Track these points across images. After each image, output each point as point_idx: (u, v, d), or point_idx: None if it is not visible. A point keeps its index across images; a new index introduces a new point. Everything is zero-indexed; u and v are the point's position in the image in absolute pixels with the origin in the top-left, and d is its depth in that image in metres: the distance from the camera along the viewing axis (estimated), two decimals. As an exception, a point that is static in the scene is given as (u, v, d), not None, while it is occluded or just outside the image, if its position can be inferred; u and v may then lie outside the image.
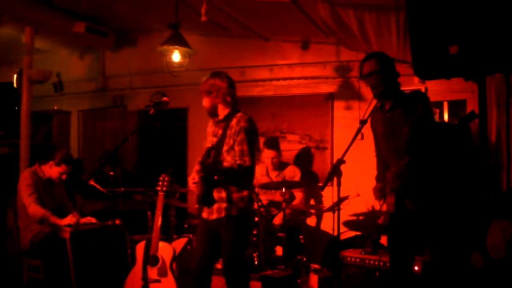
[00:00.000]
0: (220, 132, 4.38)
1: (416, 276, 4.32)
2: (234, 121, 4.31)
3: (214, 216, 4.30)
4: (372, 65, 4.13)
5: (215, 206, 4.29)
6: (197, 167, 4.22)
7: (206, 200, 4.29)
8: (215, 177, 4.23)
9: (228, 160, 4.28)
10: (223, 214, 4.26)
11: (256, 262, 5.64)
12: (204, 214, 4.39)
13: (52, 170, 5.76)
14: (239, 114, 4.36)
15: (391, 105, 4.16)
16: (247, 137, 4.26)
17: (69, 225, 5.53)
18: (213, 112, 4.43)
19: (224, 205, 4.26)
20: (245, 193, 4.33)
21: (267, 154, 6.66)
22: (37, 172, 5.78)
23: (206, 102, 4.40)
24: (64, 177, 5.80)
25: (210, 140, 4.47)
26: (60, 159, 5.74)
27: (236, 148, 4.24)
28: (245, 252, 4.68)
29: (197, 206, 4.42)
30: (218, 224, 4.29)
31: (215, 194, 4.28)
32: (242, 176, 4.26)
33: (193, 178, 4.30)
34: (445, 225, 4.02)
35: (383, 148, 4.36)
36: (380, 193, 4.27)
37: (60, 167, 5.75)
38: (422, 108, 4.03)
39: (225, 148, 4.29)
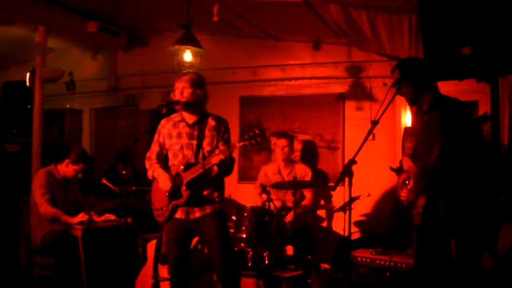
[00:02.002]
0: (196, 133, 4.41)
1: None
2: (213, 122, 4.42)
3: (197, 214, 4.35)
4: (396, 75, 4.13)
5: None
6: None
7: (193, 199, 4.33)
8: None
9: None
10: (208, 211, 4.34)
11: (266, 262, 5.65)
12: (179, 214, 4.40)
13: (68, 169, 5.80)
14: (214, 115, 4.51)
15: (427, 108, 4.13)
16: (229, 136, 4.46)
17: (81, 223, 5.57)
18: (192, 110, 4.45)
19: (207, 202, 4.37)
20: (222, 189, 4.52)
21: (279, 143, 6.67)
22: (52, 171, 5.81)
23: (191, 96, 4.38)
24: (80, 175, 5.83)
25: (177, 142, 4.47)
26: (76, 157, 5.77)
27: (222, 148, 4.26)
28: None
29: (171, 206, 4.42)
30: (200, 223, 4.36)
31: (198, 194, 4.36)
32: (230, 169, 4.42)
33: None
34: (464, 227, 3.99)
35: (420, 152, 4.31)
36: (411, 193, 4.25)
37: (78, 165, 5.79)
38: (457, 115, 3.99)
39: (207, 148, 4.36)
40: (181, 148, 4.42)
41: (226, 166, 4.28)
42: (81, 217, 5.60)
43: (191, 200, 4.30)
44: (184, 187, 4.28)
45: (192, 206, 4.35)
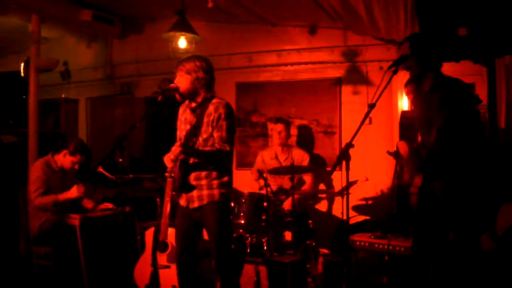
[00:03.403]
0: (195, 119, 4.32)
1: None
2: (211, 108, 4.24)
3: (196, 204, 4.27)
4: (404, 49, 4.08)
5: (195, 194, 4.26)
6: (176, 148, 4.16)
7: (184, 185, 4.27)
8: (191, 161, 4.23)
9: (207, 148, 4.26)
10: (205, 202, 4.24)
11: (265, 247, 5.65)
12: (182, 202, 4.36)
13: (66, 160, 5.78)
14: (215, 100, 4.29)
15: (429, 88, 4.09)
16: (227, 124, 4.21)
17: (85, 211, 5.58)
18: (190, 97, 4.35)
19: (205, 192, 4.24)
20: (226, 178, 4.30)
21: (276, 129, 6.68)
22: (49, 162, 5.79)
23: (184, 83, 4.29)
24: (76, 166, 5.80)
25: (184, 128, 4.40)
26: (74, 148, 5.75)
27: (215, 134, 4.20)
28: (232, 238, 4.69)
29: (174, 193, 4.36)
30: (200, 212, 4.28)
31: (195, 182, 4.26)
32: (221, 159, 4.23)
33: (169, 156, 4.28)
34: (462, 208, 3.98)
35: (420, 132, 4.28)
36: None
37: (75, 156, 5.76)
38: (460, 96, 3.94)
39: (204, 136, 4.24)
40: (185, 133, 4.38)
41: (205, 160, 4.24)
42: (76, 189, 5.58)
43: (183, 185, 4.28)
44: (176, 169, 4.27)
45: (188, 192, 4.31)
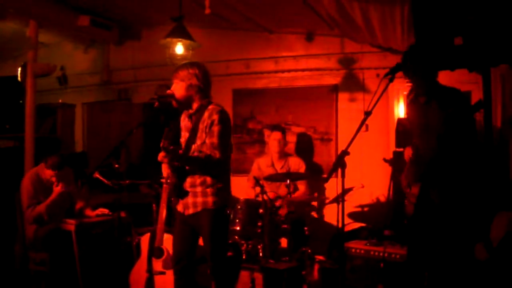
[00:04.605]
0: (191, 125, 4.32)
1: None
2: (206, 114, 4.24)
3: (191, 211, 4.27)
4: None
5: (190, 200, 4.26)
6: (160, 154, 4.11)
7: (179, 191, 4.27)
8: (187, 167, 4.23)
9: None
10: (199, 209, 4.23)
11: (260, 254, 5.65)
12: (179, 208, 4.36)
13: (46, 171, 5.82)
14: (211, 106, 4.28)
15: (426, 98, 4.10)
16: (219, 130, 4.19)
17: (81, 217, 5.57)
18: (186, 103, 4.35)
19: (200, 199, 4.23)
20: (220, 185, 4.28)
21: (273, 136, 6.68)
22: (38, 172, 5.83)
23: (179, 90, 4.29)
24: (53, 179, 5.79)
25: (184, 136, 4.42)
26: (51, 163, 5.79)
27: (207, 141, 4.19)
28: (228, 245, 4.65)
29: (173, 199, 4.36)
30: (195, 219, 4.27)
31: (190, 189, 4.26)
32: (212, 166, 4.19)
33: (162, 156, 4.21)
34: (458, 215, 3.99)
35: (417, 141, 4.29)
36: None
37: (50, 170, 5.79)
38: (457, 104, 3.96)
39: (198, 142, 4.24)
40: (185, 140, 4.39)
41: (196, 167, 4.23)
42: (56, 187, 5.69)
43: (179, 191, 4.27)
44: (171, 175, 4.26)
45: (183, 198, 4.31)
